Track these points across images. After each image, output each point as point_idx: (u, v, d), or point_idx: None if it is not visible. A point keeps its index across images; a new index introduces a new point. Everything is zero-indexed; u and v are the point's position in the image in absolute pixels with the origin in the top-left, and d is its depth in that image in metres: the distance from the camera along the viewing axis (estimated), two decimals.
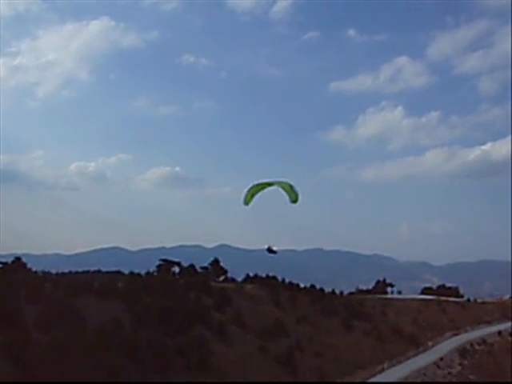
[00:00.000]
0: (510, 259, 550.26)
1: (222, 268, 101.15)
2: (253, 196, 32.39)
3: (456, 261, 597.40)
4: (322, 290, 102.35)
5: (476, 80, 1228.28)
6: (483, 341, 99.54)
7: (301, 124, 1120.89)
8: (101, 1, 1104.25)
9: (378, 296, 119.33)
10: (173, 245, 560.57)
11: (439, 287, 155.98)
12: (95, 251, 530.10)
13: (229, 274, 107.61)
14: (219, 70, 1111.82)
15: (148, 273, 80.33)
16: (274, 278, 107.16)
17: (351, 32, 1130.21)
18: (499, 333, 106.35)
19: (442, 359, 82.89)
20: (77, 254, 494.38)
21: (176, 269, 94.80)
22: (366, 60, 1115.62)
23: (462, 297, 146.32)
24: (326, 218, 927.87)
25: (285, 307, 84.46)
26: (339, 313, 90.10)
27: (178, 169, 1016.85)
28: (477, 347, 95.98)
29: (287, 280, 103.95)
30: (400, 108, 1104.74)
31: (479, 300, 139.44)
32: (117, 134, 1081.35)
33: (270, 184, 31.91)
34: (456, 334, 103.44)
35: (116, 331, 53.94)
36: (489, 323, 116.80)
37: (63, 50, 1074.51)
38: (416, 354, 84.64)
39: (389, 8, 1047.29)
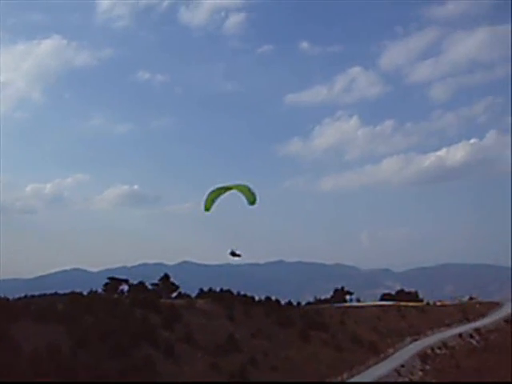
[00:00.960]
0: (469, 262, 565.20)
1: (173, 284, 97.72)
2: (213, 201, 32.31)
3: (417, 266, 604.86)
4: (277, 301, 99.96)
5: (428, 87, 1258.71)
6: (444, 344, 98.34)
7: (258, 137, 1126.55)
8: (52, 19, 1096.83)
9: (336, 305, 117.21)
10: (134, 264, 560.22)
11: (398, 292, 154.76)
12: (55, 274, 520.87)
13: (186, 290, 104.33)
14: (175, 85, 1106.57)
15: (91, 292, 76.54)
16: (229, 291, 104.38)
17: (304, 44, 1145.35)
18: (460, 335, 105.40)
19: (403, 366, 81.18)
20: (36, 278, 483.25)
21: (124, 287, 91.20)
22: (320, 71, 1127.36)
23: (421, 301, 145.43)
24: (286, 230, 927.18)
25: (239, 321, 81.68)
26: (296, 324, 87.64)
27: (136, 187, 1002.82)
28: (438, 351, 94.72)
29: (245, 293, 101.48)
30: (355, 118, 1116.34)
31: (439, 303, 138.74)
32: (73, 154, 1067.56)
33: (228, 188, 31.71)
34: (416, 339, 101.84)
35: (52, 356, 50.66)
36: (449, 326, 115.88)
37: (15, 70, 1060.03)
38: (376, 362, 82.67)
39: (341, 19, 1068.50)
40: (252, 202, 31.19)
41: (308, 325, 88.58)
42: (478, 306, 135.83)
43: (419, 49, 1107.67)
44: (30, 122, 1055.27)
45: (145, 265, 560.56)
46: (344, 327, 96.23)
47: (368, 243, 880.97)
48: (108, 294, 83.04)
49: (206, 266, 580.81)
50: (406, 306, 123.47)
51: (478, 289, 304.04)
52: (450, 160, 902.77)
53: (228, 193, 32.62)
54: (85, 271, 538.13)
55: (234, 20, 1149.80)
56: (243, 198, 31.43)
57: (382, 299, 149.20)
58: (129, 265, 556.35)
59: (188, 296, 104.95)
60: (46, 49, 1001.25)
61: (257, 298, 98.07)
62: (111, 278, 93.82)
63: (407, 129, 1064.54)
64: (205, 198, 32.27)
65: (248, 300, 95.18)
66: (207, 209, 32.57)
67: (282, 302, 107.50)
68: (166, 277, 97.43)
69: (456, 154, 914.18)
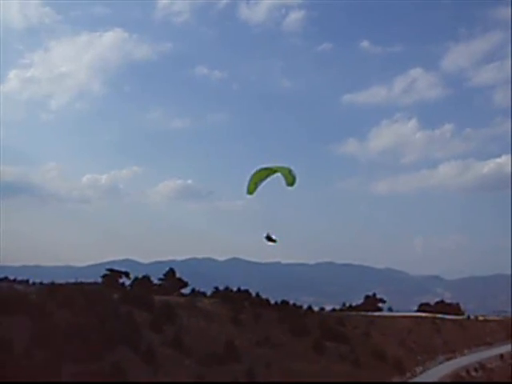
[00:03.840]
0: None
1: (180, 280, 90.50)
2: (256, 185, 31.98)
3: (469, 275, 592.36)
4: (295, 305, 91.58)
5: (490, 92, 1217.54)
6: (481, 366, 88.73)
7: (314, 136, 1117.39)
8: (114, 12, 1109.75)
9: (363, 313, 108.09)
10: (184, 257, 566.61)
11: (438, 303, 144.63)
12: (107, 263, 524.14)
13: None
14: (232, 81, 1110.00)
15: (76, 283, 69.96)
16: (246, 291, 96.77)
17: (365, 43, 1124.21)
18: (501, 356, 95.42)
19: None
20: (88, 266, 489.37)
21: (124, 280, 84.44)
22: (379, 72, 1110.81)
23: (461, 314, 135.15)
24: (338, 231, 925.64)
25: (245, 326, 73.91)
26: (311, 333, 79.16)
27: (190, 181, 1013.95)
28: (473, 373, 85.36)
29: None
30: (414, 120, 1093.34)
31: (481, 317, 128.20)
32: (130, 147, 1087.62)
33: (271, 171, 31.60)
34: (450, 358, 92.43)
35: (3, 355, 43.84)
36: (490, 345, 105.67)
37: (76, 61, 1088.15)
38: (400, 383, 73.87)
39: (403, 19, 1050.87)
40: (291, 183, 30.69)
41: (325, 334, 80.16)
42: None
43: (483, 52, 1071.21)
44: (90, 114, 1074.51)
45: (195, 259, 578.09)
46: (367, 339, 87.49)
47: (420, 249, 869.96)
48: (104, 286, 76.24)
49: (255, 263, 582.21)
50: (442, 319, 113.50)
51: None
52: (510, 167, 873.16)
53: (271, 177, 32.20)
54: (136, 262, 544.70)
55: (294, 17, 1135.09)
56: (283, 181, 30.98)
57: (419, 309, 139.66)
58: (179, 258, 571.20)
59: (202, 294, 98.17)
60: (108, 41, 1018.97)
61: (272, 302, 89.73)
62: (111, 270, 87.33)
63: (467, 134, 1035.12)
64: (248, 180, 31.72)
65: (262, 302, 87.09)
66: (250, 192, 32.01)
67: (306, 307, 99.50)
68: (171, 272, 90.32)
69: None
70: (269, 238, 33.37)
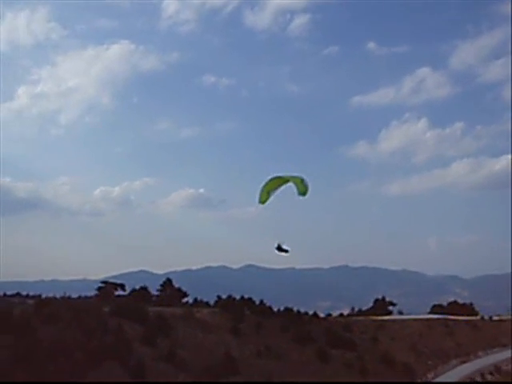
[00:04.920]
0: None
1: (179, 290, 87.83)
2: (268, 194, 31.83)
3: (486, 273, 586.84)
4: (299, 312, 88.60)
5: (499, 88, 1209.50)
6: (497, 368, 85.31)
7: (324, 139, 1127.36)
8: (120, 24, 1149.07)
9: (372, 318, 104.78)
10: (199, 266, 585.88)
11: (450, 304, 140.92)
12: (122, 275, 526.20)
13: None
14: (240, 88, 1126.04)
15: (64, 297, 67.37)
16: (250, 299, 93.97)
17: (371, 45, 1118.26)
18: None
19: None
20: (104, 279, 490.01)
21: (120, 292, 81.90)
22: (387, 72, 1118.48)
23: (476, 315, 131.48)
24: (351, 234, 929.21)
25: (245, 336, 71.08)
26: (316, 340, 76.27)
27: (201, 190, 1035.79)
28: (489, 377, 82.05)
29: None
30: (424, 120, 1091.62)
31: (495, 317, 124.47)
32: (141, 158, 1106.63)
33: (283, 180, 31.55)
34: (464, 362, 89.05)
35: None
36: (505, 346, 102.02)
37: (84, 75, 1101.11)
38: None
39: (408, 19, 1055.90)
40: (303, 193, 30.62)
41: (330, 342, 77.26)
42: None
43: (491, 48, 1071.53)
44: (99, 126, 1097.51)
45: (209, 268, 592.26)
46: (376, 345, 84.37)
47: (436, 249, 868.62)
48: (95, 300, 73.83)
49: (270, 269, 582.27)
50: (455, 321, 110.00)
51: None
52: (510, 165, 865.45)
53: (283, 186, 32.23)
54: (150, 273, 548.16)
55: (299, 22, 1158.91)
56: (295, 190, 31.00)
57: (431, 311, 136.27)
58: (193, 267, 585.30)
59: (205, 303, 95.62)
60: (115, 53, 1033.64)
61: (275, 309, 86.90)
62: (105, 282, 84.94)
63: (478, 131, 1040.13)
64: (260, 189, 31.77)
65: (265, 310, 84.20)
66: (263, 202, 31.97)
67: (319, 312, 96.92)
68: (169, 282, 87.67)
69: None
70: (280, 249, 32.98)
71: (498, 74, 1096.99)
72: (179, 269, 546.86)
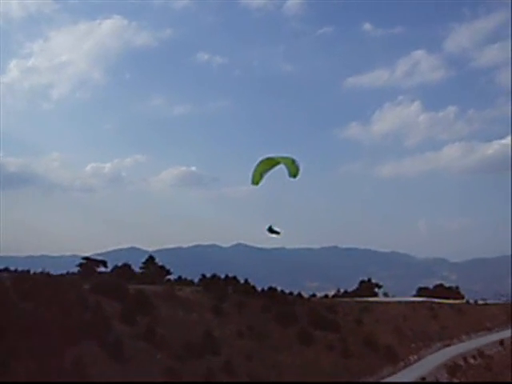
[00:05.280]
0: None
1: (162, 267, 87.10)
2: (261, 175, 31.70)
3: (475, 256, 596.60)
4: (283, 292, 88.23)
5: (494, 73, 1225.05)
6: (480, 353, 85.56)
7: (317, 120, 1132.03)
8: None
9: (358, 299, 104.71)
10: (189, 244, 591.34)
11: (436, 287, 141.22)
12: (112, 252, 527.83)
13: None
14: (234, 67, 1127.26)
15: (42, 273, 66.34)
16: (234, 278, 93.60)
17: (367, 26, 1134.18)
18: (501, 342, 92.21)
19: (423, 378, 68.96)
20: (94, 255, 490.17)
21: (102, 269, 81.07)
22: (382, 54, 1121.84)
23: (462, 298, 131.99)
24: (342, 215, 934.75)
25: (227, 316, 70.46)
26: (299, 321, 75.87)
27: (193, 168, 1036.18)
28: (471, 361, 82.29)
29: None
30: (417, 103, 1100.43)
31: (481, 302, 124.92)
32: (132, 135, 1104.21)
33: (276, 162, 31.38)
34: (447, 345, 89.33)
35: None
36: (489, 330, 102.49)
37: (76, 50, 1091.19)
38: (392, 372, 71.12)
39: (404, 0, 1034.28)
40: (294, 174, 30.23)
41: (313, 323, 76.90)
42: None
43: (486, 32, 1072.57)
44: (91, 102, 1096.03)
45: (199, 246, 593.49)
46: (359, 327, 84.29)
47: (425, 232, 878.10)
48: (76, 276, 73.03)
49: (260, 249, 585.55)
50: (440, 304, 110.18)
51: None
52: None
53: (276, 167, 31.88)
54: (141, 250, 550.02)
55: (294, 1, 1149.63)
56: (285, 171, 30.56)
57: (417, 294, 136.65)
58: (184, 245, 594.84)
59: (190, 282, 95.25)
60: (107, 29, 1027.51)
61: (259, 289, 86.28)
62: (86, 258, 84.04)
63: (470, 115, 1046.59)
64: (253, 170, 31.37)
65: (248, 290, 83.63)
66: (256, 183, 31.62)
67: (297, 293, 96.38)
68: (151, 259, 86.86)
69: None
70: (271, 230, 32.42)
71: (493, 58, 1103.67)
72: (170, 246, 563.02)
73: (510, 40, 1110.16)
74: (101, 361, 48.40)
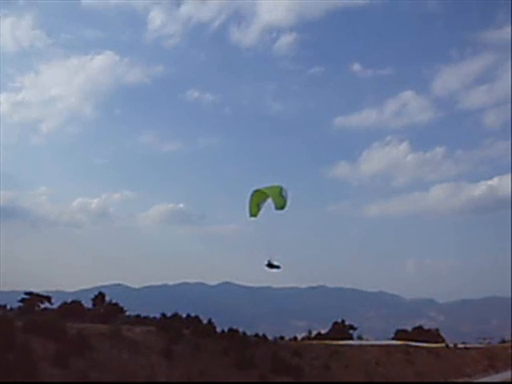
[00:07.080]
0: None
1: (114, 304, 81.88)
2: (258, 206, 31.53)
3: (462, 298, 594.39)
4: (244, 334, 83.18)
5: (481, 114, 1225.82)
6: None
7: (306, 159, 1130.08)
8: (105, 35, 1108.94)
9: (327, 342, 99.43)
10: (176, 282, 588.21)
11: (415, 329, 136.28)
12: (98, 288, 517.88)
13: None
14: (224, 105, 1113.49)
15: None
16: (197, 318, 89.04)
17: (356, 66, 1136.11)
18: None
19: None
20: (80, 291, 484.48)
21: (47, 304, 75.75)
22: (371, 94, 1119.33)
23: (442, 341, 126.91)
24: (330, 255, 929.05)
25: (179, 359, 65.44)
26: (259, 366, 70.77)
27: (181, 205, 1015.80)
28: None
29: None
30: (405, 143, 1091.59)
31: (461, 346, 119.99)
32: (121, 170, 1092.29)
33: (266, 194, 31.15)
34: None
35: None
36: (469, 377, 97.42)
37: (67, 85, 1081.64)
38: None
39: (394, 42, 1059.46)
40: (281, 207, 30.06)
41: (275, 368, 71.76)
42: (511, 350, 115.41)
43: (474, 74, 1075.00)
44: (81, 137, 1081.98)
45: (186, 284, 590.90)
46: (326, 373, 79.12)
47: (413, 272, 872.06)
48: (14, 313, 67.71)
49: (247, 287, 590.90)
50: (416, 348, 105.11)
51: None
52: (502, 189, 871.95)
53: (268, 199, 31.61)
54: (127, 287, 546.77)
55: (285, 40, 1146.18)
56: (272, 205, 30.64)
57: (395, 337, 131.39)
58: (170, 283, 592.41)
59: (150, 320, 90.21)
60: (99, 64, 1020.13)
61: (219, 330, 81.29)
62: (30, 293, 78.66)
63: (458, 156, 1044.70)
64: (248, 203, 31.43)
65: (208, 330, 78.57)
66: (254, 214, 31.71)
67: (262, 334, 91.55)
68: (101, 296, 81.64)
69: (508, 183, 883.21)
70: (271, 265, 32.31)
71: (480, 100, 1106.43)
72: (156, 283, 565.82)
73: (496, 82, 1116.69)
74: None
